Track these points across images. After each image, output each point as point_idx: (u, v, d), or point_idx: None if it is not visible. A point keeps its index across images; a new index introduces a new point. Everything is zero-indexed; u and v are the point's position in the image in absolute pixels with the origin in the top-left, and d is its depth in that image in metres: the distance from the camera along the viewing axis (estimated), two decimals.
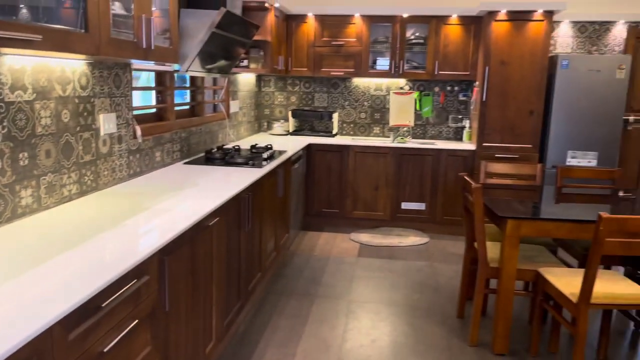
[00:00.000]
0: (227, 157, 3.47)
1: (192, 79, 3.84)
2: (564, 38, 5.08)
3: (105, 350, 1.44)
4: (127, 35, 1.96)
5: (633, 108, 5.02)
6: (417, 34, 5.09)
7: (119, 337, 1.51)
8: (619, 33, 5.00)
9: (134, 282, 1.60)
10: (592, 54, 5.03)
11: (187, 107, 3.81)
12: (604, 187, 3.60)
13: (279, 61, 4.81)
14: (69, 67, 2.20)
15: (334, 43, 5.06)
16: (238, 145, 3.94)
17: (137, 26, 1.97)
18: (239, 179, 2.90)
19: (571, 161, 4.67)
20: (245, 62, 4.48)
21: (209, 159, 3.49)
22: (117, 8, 1.99)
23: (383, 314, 3.24)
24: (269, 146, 3.89)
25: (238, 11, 3.71)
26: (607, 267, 3.38)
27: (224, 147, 3.88)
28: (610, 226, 2.17)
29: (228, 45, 3.40)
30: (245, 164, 3.36)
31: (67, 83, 2.19)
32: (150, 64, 3.05)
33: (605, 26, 5.01)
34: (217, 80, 4.26)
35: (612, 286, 2.44)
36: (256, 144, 3.96)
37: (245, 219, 2.87)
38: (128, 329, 1.57)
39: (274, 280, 3.75)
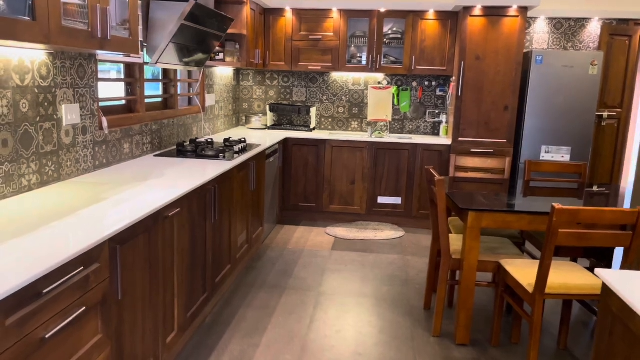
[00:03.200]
0: (198, 150, 3.47)
1: (165, 71, 3.84)
2: (540, 34, 5.13)
3: (48, 336, 1.45)
4: (82, 25, 1.96)
5: (607, 104, 5.08)
6: (394, 29, 5.11)
7: (63, 324, 1.52)
8: (593, 30, 5.06)
9: (80, 269, 1.60)
10: (567, 50, 5.08)
11: (159, 99, 3.81)
12: (572, 181, 3.64)
13: (255, 55, 4.81)
14: (28, 57, 2.19)
15: (311, 37, 5.06)
16: (211, 138, 3.94)
17: (91, 15, 1.97)
18: (207, 171, 2.91)
19: (545, 156, 4.72)
20: (221, 56, 4.48)
21: (180, 152, 3.49)
22: None
23: (350, 305, 3.27)
24: (242, 139, 3.89)
25: (210, 4, 3.71)
26: (574, 260, 3.44)
27: (197, 140, 3.89)
28: (563, 217, 2.21)
29: (200, 38, 3.41)
30: (215, 156, 3.37)
31: (26, 73, 2.19)
32: (118, 55, 3.05)
33: (580, 23, 5.06)
34: (192, 74, 4.26)
35: (568, 277, 2.48)
36: (230, 138, 3.97)
37: (211, 211, 2.88)
38: (74, 316, 1.58)
39: (245, 272, 3.76)
